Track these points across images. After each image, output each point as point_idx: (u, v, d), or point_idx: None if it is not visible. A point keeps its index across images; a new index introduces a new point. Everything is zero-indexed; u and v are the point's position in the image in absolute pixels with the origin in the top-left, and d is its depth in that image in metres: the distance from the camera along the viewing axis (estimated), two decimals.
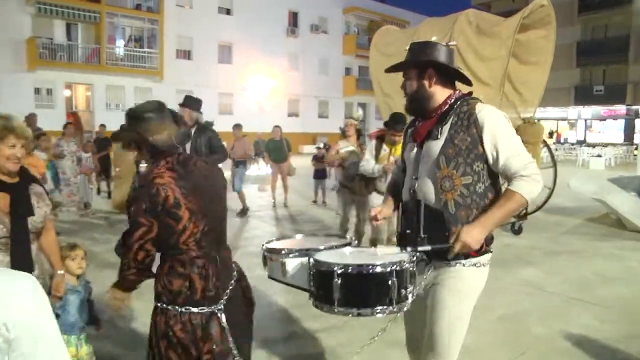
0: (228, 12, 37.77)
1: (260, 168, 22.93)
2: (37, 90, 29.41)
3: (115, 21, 32.58)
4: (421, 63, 2.82)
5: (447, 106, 2.77)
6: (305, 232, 3.22)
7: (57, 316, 2.95)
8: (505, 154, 2.60)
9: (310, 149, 33.58)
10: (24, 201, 3.02)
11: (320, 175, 13.94)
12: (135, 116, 2.77)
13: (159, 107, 2.83)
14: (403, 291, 2.41)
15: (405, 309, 2.47)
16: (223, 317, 2.63)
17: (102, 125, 16.76)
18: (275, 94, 37.86)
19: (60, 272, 3.33)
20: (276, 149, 13.69)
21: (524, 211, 9.90)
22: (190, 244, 2.61)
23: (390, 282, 2.36)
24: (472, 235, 2.56)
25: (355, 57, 44.04)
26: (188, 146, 6.61)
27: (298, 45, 40.88)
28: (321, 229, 10.48)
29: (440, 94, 2.80)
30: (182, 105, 7.08)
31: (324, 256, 2.56)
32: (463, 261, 2.71)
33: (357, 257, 2.63)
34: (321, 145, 13.85)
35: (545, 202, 10.22)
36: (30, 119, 11.76)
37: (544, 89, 9.99)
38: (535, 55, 9.73)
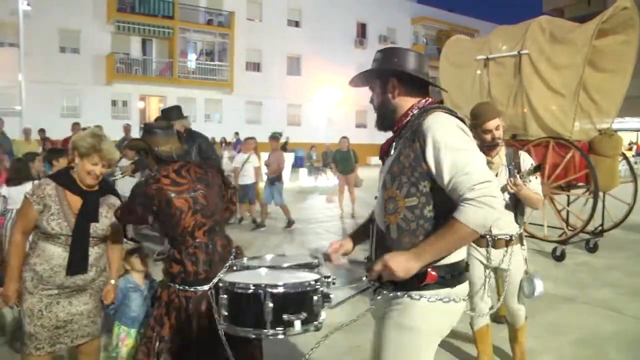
0: (297, 24, 38.22)
1: (328, 179, 22.94)
2: (113, 102, 30.68)
3: (188, 36, 33.57)
4: (382, 73, 2.58)
5: (407, 118, 2.45)
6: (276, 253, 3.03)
7: (113, 313, 3.68)
8: (450, 171, 2.15)
9: (378, 160, 33.39)
10: (93, 208, 3.40)
11: None
12: (147, 130, 3.52)
13: (167, 126, 3.62)
14: (285, 316, 2.09)
15: (283, 336, 2.11)
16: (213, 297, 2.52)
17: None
18: (343, 105, 37.90)
19: (112, 282, 3.58)
20: (343, 160, 13.66)
21: (600, 228, 9.42)
22: (186, 235, 3.22)
23: (265, 305, 2.08)
24: (397, 261, 2.16)
25: None
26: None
27: (366, 56, 40.71)
28: None
29: (405, 105, 2.50)
30: (168, 119, 7.07)
31: (234, 276, 2.37)
32: (412, 293, 2.30)
33: (269, 276, 2.38)
34: None
35: (624, 218, 9.61)
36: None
37: (623, 97, 9.44)
38: (614, 62, 9.16)
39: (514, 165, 4.13)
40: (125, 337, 3.75)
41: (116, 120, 26.09)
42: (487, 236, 4.09)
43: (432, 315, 2.33)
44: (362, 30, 41.54)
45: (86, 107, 29.48)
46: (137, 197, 3.26)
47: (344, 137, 14.09)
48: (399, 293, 2.34)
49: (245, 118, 34.57)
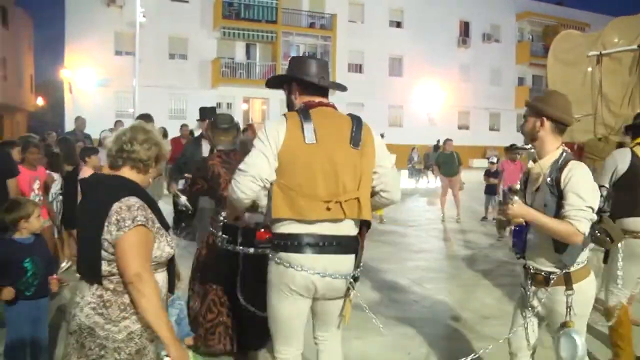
0: (399, 25, 38.00)
1: (429, 181, 22.65)
2: (218, 105, 31.70)
3: (291, 39, 34.21)
4: (286, 78, 3.24)
5: None
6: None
7: None
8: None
9: (480, 162, 32.62)
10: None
11: (491, 190, 13.32)
12: (212, 123, 4.99)
13: (231, 120, 4.98)
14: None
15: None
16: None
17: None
18: (445, 106, 37.34)
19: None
20: (447, 163, 13.42)
21: None
22: (223, 200, 4.02)
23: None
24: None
25: (529, 66, 41.94)
26: None
27: (469, 55, 39.93)
28: (489, 247, 10.08)
29: (299, 103, 3.11)
30: (202, 117, 8.09)
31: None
32: (267, 251, 3.00)
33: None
34: (495, 160, 13.28)
35: None
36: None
37: None
38: None
39: (549, 180, 3.08)
40: None
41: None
42: (526, 267, 3.31)
43: (273, 271, 2.99)
44: (464, 28, 40.57)
45: (192, 109, 30.38)
46: (198, 171, 4.65)
47: (448, 139, 13.88)
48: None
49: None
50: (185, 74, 31.50)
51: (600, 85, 8.73)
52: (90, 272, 2.53)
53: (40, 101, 44.18)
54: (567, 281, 3.04)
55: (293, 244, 2.88)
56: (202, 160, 5.07)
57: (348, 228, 2.96)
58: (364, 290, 6.65)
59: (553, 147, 3.13)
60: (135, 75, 24.18)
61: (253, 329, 4.20)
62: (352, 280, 2.98)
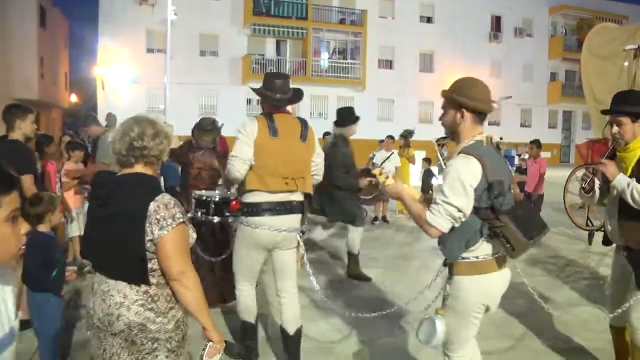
0: (429, 20, 37.71)
1: None
2: (248, 101, 31.89)
3: (321, 36, 34.22)
4: (257, 93, 4.33)
5: None
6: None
7: None
8: None
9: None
10: None
11: (520, 189, 13.12)
12: (197, 124, 6.31)
13: (213, 122, 6.32)
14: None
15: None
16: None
17: None
18: None
19: None
20: None
21: None
22: (195, 183, 6.08)
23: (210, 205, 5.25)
24: None
25: (561, 61, 41.12)
26: None
27: (501, 50, 39.40)
28: None
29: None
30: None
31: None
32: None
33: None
34: (526, 157, 13.04)
35: None
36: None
37: None
38: None
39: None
40: None
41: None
42: None
43: (242, 231, 4.18)
44: (496, 23, 39.99)
45: (222, 105, 31.08)
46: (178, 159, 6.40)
47: None
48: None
49: (376, 115, 34.64)
50: (215, 70, 31.73)
51: (635, 79, 8.51)
52: (134, 273, 2.53)
53: (73, 98, 44.89)
54: (450, 271, 3.09)
55: (258, 209, 4.06)
56: (180, 153, 6.34)
57: (297, 197, 4.17)
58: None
59: (470, 136, 3.08)
60: (166, 72, 24.46)
61: (228, 286, 5.07)
62: (300, 233, 4.29)
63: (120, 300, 2.53)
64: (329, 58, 34.71)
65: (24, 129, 5.09)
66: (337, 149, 7.03)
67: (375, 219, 12.17)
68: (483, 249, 3.00)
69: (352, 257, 7.37)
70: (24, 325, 4.65)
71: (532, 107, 40.75)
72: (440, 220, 2.91)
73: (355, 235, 7.31)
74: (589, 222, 10.03)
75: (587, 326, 5.53)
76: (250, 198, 4.10)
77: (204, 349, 2.61)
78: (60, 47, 39.13)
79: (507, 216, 2.90)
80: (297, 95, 4.30)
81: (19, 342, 1.72)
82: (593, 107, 9.70)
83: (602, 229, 7.25)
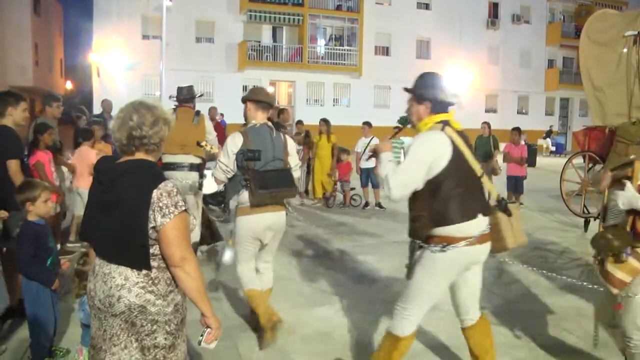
0: (427, 6, 37.45)
1: None
2: (244, 88, 31.65)
3: (317, 22, 34.03)
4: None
5: None
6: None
7: None
8: None
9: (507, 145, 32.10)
10: None
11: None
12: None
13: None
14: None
15: None
16: None
17: (300, 122, 15.87)
18: (472, 89, 36.79)
19: None
20: (482, 146, 13.11)
21: None
22: None
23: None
24: None
25: (559, 48, 40.83)
26: None
27: (498, 37, 39.22)
28: None
29: None
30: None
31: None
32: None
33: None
34: (522, 142, 12.97)
35: None
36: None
37: None
38: None
39: None
40: None
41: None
42: None
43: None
44: (493, 10, 39.73)
45: (219, 92, 30.99)
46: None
47: (486, 123, 13.58)
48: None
49: (373, 102, 34.60)
50: (212, 57, 31.66)
51: (637, 66, 8.42)
52: (136, 259, 2.58)
53: (69, 85, 44.72)
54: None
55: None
56: None
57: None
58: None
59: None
60: (162, 58, 24.31)
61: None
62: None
63: (122, 282, 2.58)
64: (325, 45, 34.50)
65: (14, 116, 5.09)
66: None
67: (367, 204, 12.20)
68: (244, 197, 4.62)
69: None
70: (15, 312, 4.70)
71: (529, 94, 40.61)
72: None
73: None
74: (585, 210, 10.04)
75: (582, 312, 5.56)
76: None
77: (202, 335, 2.66)
78: (55, 34, 38.95)
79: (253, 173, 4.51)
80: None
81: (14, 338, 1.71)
82: (591, 94, 9.63)
83: (598, 217, 7.25)
